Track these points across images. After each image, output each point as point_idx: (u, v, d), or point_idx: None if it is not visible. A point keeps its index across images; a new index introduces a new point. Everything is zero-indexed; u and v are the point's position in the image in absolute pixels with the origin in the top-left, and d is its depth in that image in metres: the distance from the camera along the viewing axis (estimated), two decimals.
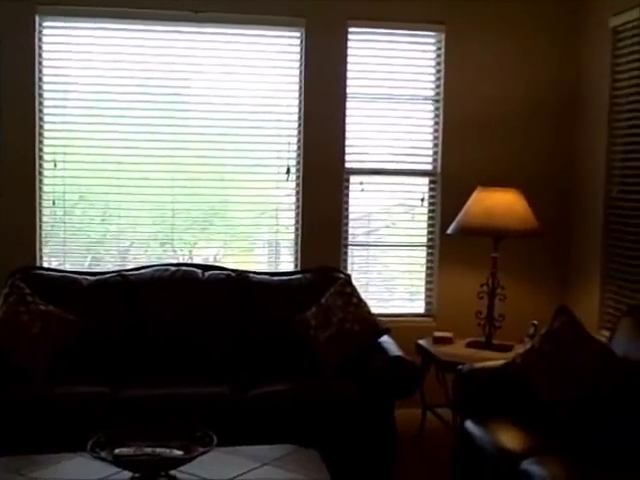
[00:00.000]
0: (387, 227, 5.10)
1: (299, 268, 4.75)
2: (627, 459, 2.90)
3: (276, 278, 4.42)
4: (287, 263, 4.90)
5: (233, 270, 4.40)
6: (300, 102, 4.77)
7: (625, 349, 3.40)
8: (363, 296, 4.28)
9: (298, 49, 4.76)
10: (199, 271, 4.35)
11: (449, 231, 4.42)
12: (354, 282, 4.34)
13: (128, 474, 2.67)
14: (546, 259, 4.93)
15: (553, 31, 4.90)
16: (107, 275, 4.30)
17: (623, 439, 3.15)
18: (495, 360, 3.74)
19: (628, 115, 4.40)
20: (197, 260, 4.83)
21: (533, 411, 3.37)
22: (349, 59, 4.79)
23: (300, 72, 4.75)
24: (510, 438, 3.21)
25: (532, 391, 3.41)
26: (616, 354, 3.36)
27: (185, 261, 4.78)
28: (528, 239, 4.38)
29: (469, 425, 3.43)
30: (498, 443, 3.19)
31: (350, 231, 4.94)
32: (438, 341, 4.40)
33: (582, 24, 4.81)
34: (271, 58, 4.79)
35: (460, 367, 3.65)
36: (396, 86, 4.91)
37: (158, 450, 2.75)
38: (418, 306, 5.07)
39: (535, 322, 4.19)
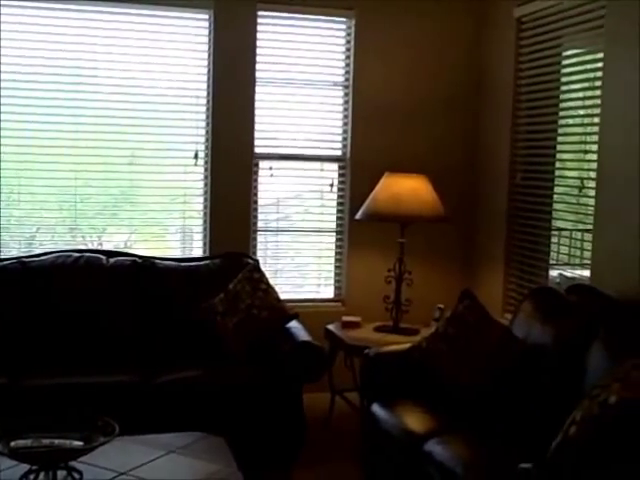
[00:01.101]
0: (297, 213, 5.09)
1: (208, 254, 4.70)
2: (525, 436, 2.99)
3: (183, 264, 4.36)
4: (199, 249, 4.84)
5: (139, 256, 4.32)
6: (209, 86, 4.70)
7: (525, 331, 3.50)
8: (274, 282, 4.28)
9: (206, 32, 4.69)
10: (104, 257, 4.25)
11: (357, 217, 4.45)
12: (265, 268, 4.33)
13: (25, 467, 2.59)
14: (452, 244, 5.03)
15: (461, 20, 4.98)
16: (5, 262, 4.15)
17: (522, 417, 3.26)
18: (402, 344, 3.80)
19: (530, 104, 4.52)
20: (107, 247, 4.70)
21: (438, 393, 3.45)
22: (259, 43, 4.74)
23: (209, 56, 4.68)
24: (414, 420, 3.27)
25: (437, 373, 3.48)
26: (516, 336, 3.46)
27: (94, 247, 4.66)
28: (435, 225, 4.46)
29: (375, 408, 3.48)
30: (403, 425, 3.25)
31: (260, 217, 4.91)
32: (346, 326, 4.43)
33: (489, 14, 4.91)
34: (179, 41, 4.70)
35: (367, 351, 3.69)
36: (306, 71, 4.90)
37: (57, 441, 2.68)
38: (328, 291, 5.10)
39: (441, 306, 4.27)
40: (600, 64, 3.80)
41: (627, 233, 3.56)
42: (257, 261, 4.38)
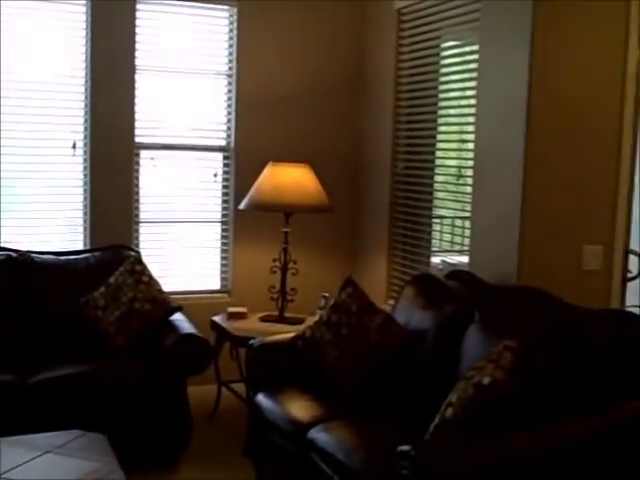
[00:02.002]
0: (181, 203, 5.00)
1: (89, 247, 4.56)
2: (409, 419, 3.04)
3: (62, 258, 4.22)
4: (80, 242, 4.68)
5: (15, 250, 4.15)
6: (87, 74, 4.55)
7: (406, 317, 3.57)
8: (159, 274, 4.20)
9: (84, 18, 4.53)
10: None
11: (241, 206, 4.41)
12: (149, 260, 4.24)
13: None
14: (337, 233, 5.08)
15: (344, 11, 5.01)
16: None
17: (406, 400, 3.33)
18: (287, 333, 3.80)
19: (411, 95, 4.60)
20: None
21: (323, 381, 3.48)
22: (139, 31, 4.63)
23: (86, 42, 4.53)
24: (300, 408, 3.28)
25: (321, 361, 3.51)
26: (398, 322, 3.53)
27: None
28: (319, 214, 4.48)
29: (260, 398, 3.47)
30: (287, 414, 3.25)
31: (143, 208, 4.80)
32: (232, 317, 4.40)
33: (371, 5, 4.96)
34: (58, 27, 4.52)
35: (251, 342, 3.68)
36: (190, 60, 4.82)
37: None
38: (214, 282, 5.04)
39: (326, 294, 4.30)
40: (476, 56, 3.91)
41: (502, 220, 3.68)
42: (139, 253, 4.29)
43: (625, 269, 3.88)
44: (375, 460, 2.70)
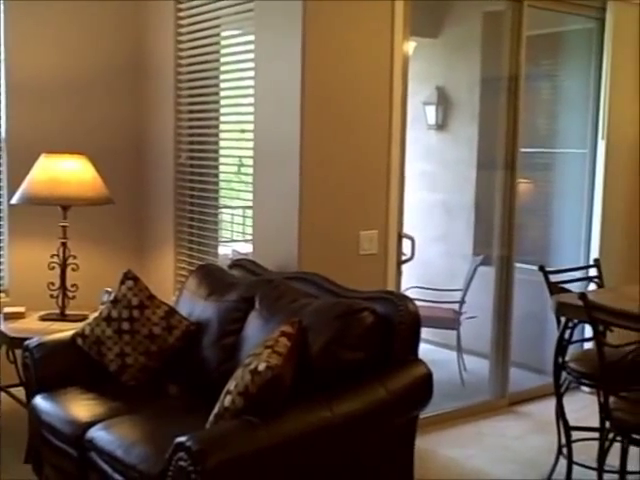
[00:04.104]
0: None
1: None
2: (196, 408, 3.02)
3: None
4: None
5: None
6: None
7: (190, 308, 3.55)
8: None
9: None
10: None
11: (13, 201, 4.17)
12: None
13: None
14: (121, 226, 4.94)
15: None
16: None
17: (191, 389, 3.32)
18: (68, 331, 3.64)
19: (192, 84, 4.56)
20: None
21: (106, 378, 3.38)
22: None
23: None
24: (80, 408, 3.17)
25: (103, 358, 3.41)
26: (180, 314, 3.50)
27: None
28: (101, 207, 4.33)
29: (38, 401, 3.30)
30: (65, 415, 3.13)
31: None
32: (9, 317, 4.15)
33: None
34: None
35: (27, 342, 3.49)
36: None
37: None
38: None
39: (109, 289, 4.17)
40: (252, 47, 3.95)
41: (282, 209, 3.76)
42: None
43: (399, 252, 4.10)
44: (155, 454, 2.65)
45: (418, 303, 5.14)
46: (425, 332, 5.52)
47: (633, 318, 3.00)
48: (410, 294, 5.25)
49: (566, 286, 3.91)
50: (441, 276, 6.06)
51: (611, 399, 3.16)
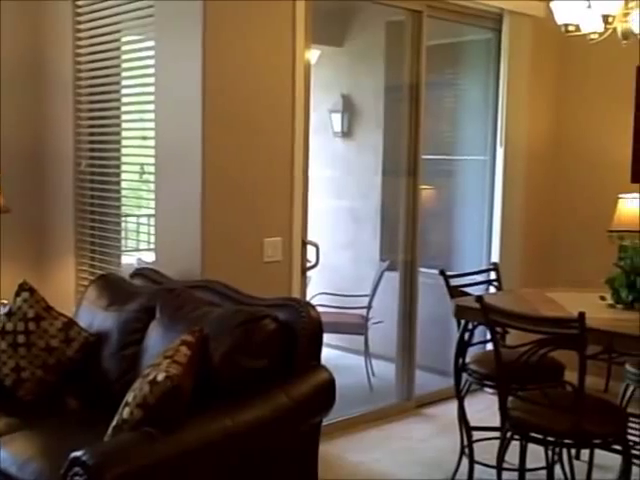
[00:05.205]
0: None
1: None
2: (97, 421, 2.94)
3: None
4: None
5: None
6: None
7: (89, 319, 3.47)
8: None
9: None
10: None
11: None
12: None
13: None
14: (18, 236, 4.72)
15: None
16: None
17: (92, 401, 3.24)
18: None
19: (92, 90, 4.46)
20: None
21: (2, 393, 3.27)
22: None
23: None
24: None
25: None
26: (80, 325, 3.41)
27: None
28: None
29: None
30: None
31: None
32: None
33: None
34: None
35: None
36: None
37: None
38: None
39: (4, 302, 4.03)
40: (152, 52, 3.89)
41: (184, 217, 3.71)
42: None
43: (304, 259, 4.11)
44: (50, 470, 2.58)
45: (325, 309, 5.25)
46: (333, 338, 5.65)
47: (527, 319, 3.10)
48: (318, 300, 5.34)
49: (467, 289, 4.01)
50: (349, 282, 6.12)
51: (509, 399, 3.25)
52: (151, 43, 3.94)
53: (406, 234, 4.86)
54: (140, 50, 4.22)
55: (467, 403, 3.86)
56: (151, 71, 3.94)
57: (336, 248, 6.12)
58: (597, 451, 3.53)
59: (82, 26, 4.45)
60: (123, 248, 4.56)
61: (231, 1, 3.61)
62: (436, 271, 4.08)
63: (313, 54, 4.92)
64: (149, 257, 4.30)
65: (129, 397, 2.58)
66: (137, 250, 4.58)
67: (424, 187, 5.10)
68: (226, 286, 3.32)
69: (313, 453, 2.97)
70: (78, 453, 2.33)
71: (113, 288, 3.54)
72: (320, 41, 5.50)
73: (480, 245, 5.39)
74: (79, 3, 4.43)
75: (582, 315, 2.92)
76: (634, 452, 3.49)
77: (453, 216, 5.89)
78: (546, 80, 5.41)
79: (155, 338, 3.10)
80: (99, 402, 3.21)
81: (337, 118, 6.29)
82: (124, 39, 4.34)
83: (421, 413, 4.87)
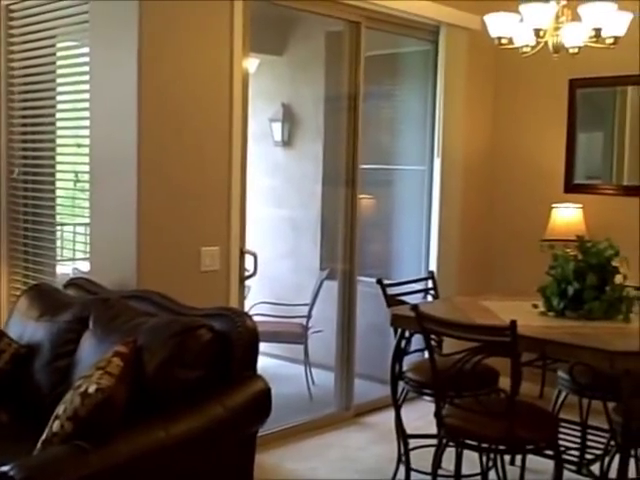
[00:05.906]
0: None
1: None
2: (29, 435, 2.86)
3: None
4: None
5: None
6: None
7: (20, 330, 3.39)
8: None
9: None
10: None
11: None
12: None
13: None
14: None
15: None
16: None
17: (23, 415, 3.16)
18: None
19: (25, 96, 4.38)
20: None
21: None
22: None
23: None
24: None
25: None
26: (10, 337, 3.33)
27: None
28: None
29: None
30: None
31: None
32: None
33: None
34: None
35: None
36: None
37: None
38: None
39: None
40: (88, 59, 3.84)
41: (119, 226, 3.66)
42: None
43: (242, 268, 4.09)
44: None
45: (265, 318, 5.23)
46: (274, 347, 5.64)
47: (460, 327, 3.14)
48: (258, 310, 5.32)
49: (405, 298, 4.04)
50: (290, 291, 6.12)
51: (445, 406, 3.28)
52: (86, 49, 3.89)
53: (345, 243, 4.88)
54: (76, 56, 4.16)
55: (405, 411, 3.89)
56: (86, 78, 3.88)
57: (276, 257, 6.11)
58: (531, 456, 3.59)
59: (15, 31, 4.37)
60: (59, 257, 4.49)
61: (168, 3, 3.57)
62: (375, 280, 4.10)
63: (252, 62, 4.93)
64: (85, 267, 4.23)
65: (59, 410, 2.53)
66: (73, 259, 4.51)
67: (363, 197, 5.14)
68: (162, 296, 3.28)
69: (249, 462, 2.95)
70: (5, 468, 2.26)
71: (45, 298, 3.47)
72: (260, 50, 5.49)
73: (418, 254, 5.45)
74: (13, 7, 4.35)
75: (514, 323, 2.97)
76: (565, 457, 3.56)
77: (392, 225, 5.94)
78: (482, 92, 5.51)
79: (88, 349, 3.05)
80: (30, 415, 3.13)
81: (277, 127, 6.29)
82: (59, 45, 4.28)
83: (360, 422, 4.89)
